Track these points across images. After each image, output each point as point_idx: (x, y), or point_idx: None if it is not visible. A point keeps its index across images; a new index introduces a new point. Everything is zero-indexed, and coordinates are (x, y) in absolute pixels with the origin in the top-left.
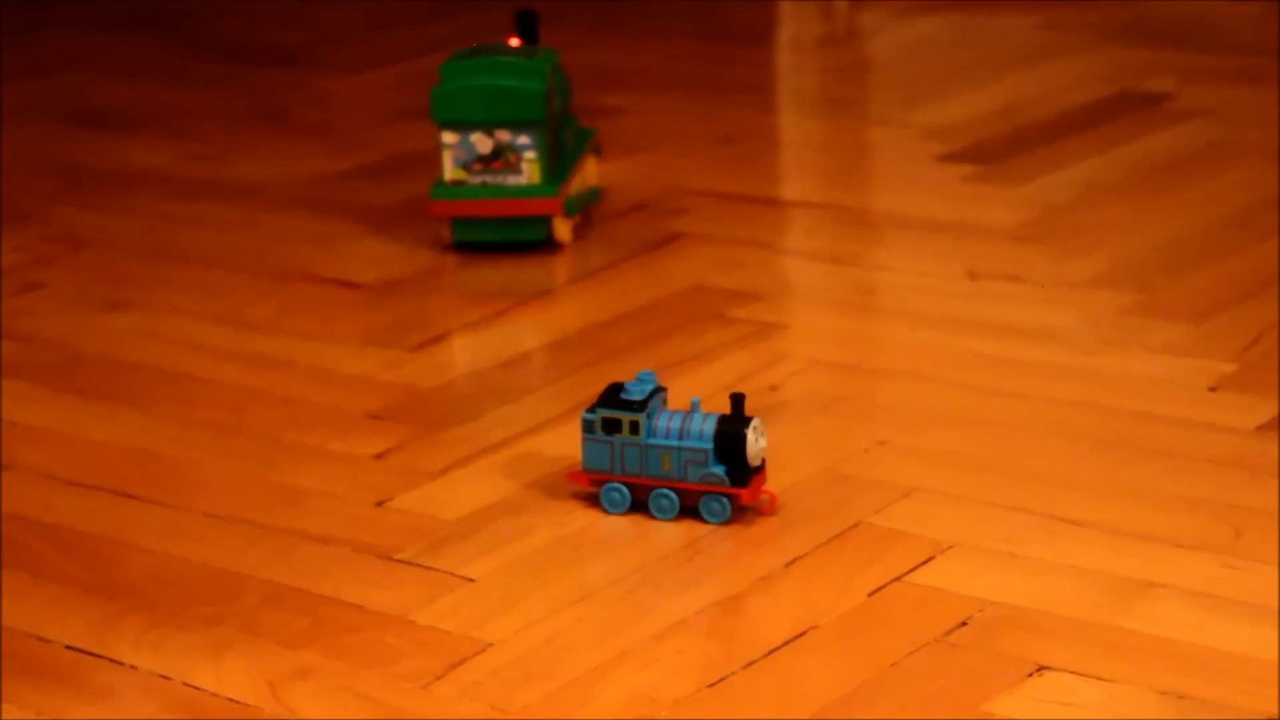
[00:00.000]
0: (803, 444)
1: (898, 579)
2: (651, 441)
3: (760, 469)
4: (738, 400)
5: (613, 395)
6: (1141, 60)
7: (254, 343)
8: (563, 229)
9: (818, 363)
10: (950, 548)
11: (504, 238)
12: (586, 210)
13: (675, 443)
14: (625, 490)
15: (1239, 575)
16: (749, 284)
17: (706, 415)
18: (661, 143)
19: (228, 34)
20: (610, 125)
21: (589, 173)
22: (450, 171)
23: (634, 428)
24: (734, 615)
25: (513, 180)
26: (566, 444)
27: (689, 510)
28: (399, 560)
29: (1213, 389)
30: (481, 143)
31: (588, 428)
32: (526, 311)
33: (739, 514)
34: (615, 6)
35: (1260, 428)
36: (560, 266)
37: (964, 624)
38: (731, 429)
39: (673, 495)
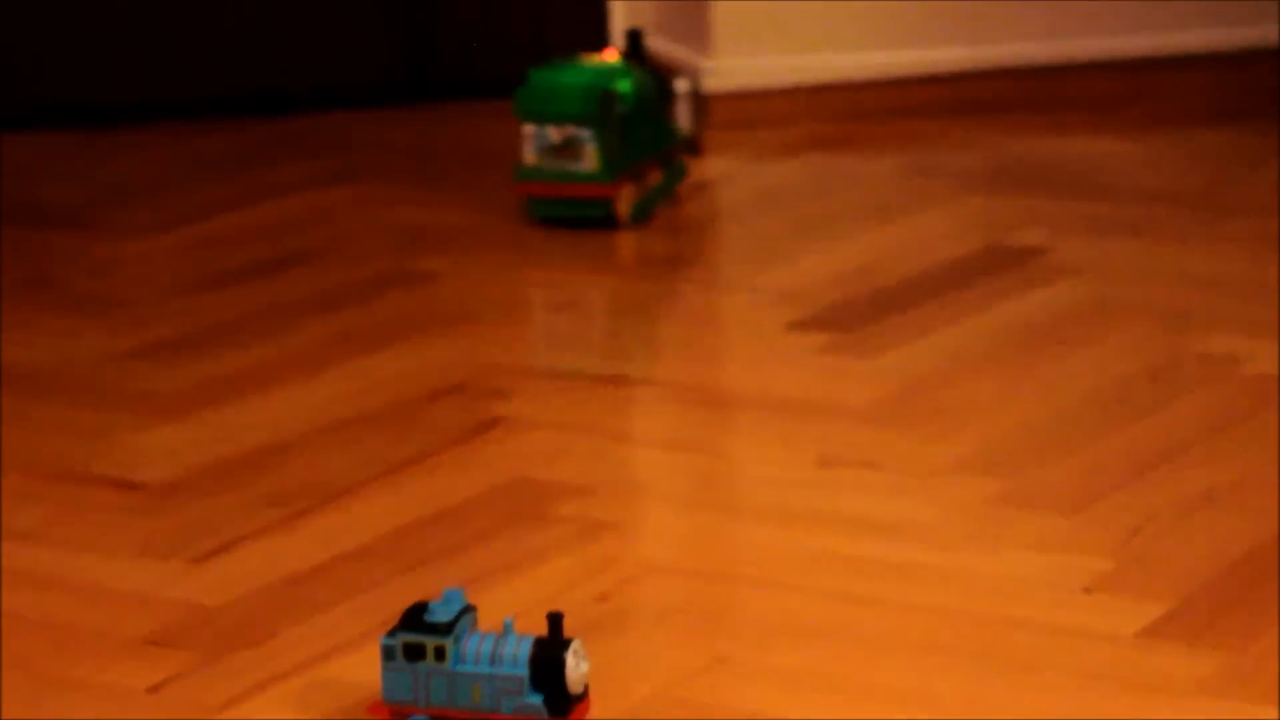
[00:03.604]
0: (634, 663)
1: None
2: (460, 669)
3: (583, 696)
4: (555, 620)
5: (416, 617)
6: (1012, 210)
7: (17, 556)
8: (622, 212)
9: (653, 568)
10: None
11: (572, 214)
12: (667, 197)
13: (486, 669)
14: None
15: None
16: (577, 476)
17: (521, 637)
18: (484, 312)
19: None
20: (430, 293)
21: (676, 166)
22: (529, 157)
23: (440, 653)
24: None
25: (576, 167)
26: (368, 669)
27: None
28: None
29: (1088, 590)
30: (554, 134)
31: (388, 654)
32: (325, 513)
33: None
34: (441, 159)
35: (1140, 633)
36: (365, 460)
37: None
38: (548, 653)
39: None
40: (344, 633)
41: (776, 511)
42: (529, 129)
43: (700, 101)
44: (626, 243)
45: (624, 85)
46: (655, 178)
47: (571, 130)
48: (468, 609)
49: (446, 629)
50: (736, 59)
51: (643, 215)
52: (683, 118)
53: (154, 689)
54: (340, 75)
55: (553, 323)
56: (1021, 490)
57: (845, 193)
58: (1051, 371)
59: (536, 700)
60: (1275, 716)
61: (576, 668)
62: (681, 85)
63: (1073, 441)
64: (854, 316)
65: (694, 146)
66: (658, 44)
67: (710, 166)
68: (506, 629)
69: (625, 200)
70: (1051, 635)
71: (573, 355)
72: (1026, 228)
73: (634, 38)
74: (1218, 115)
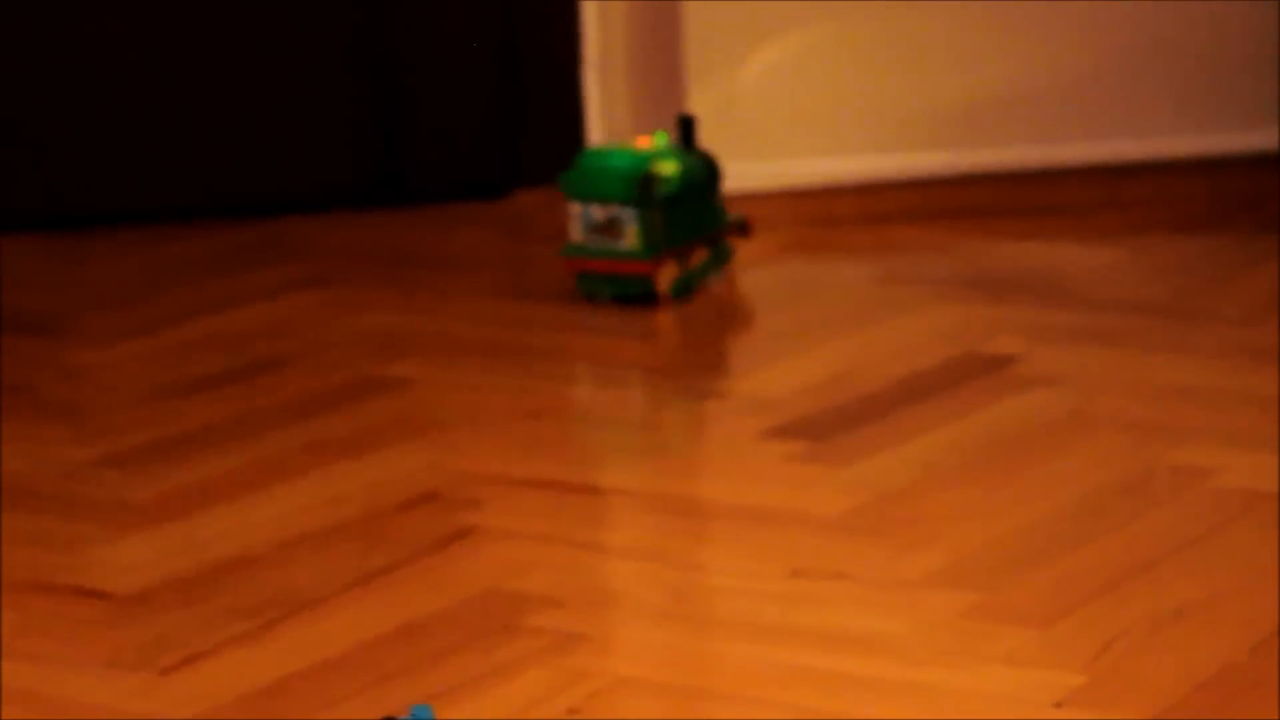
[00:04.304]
0: None
1: None
2: None
3: None
4: None
5: None
6: (987, 318)
7: None
8: (663, 288)
9: (624, 681)
10: None
11: (615, 291)
12: (709, 276)
13: None
14: None
15: None
16: (549, 588)
17: None
18: (455, 420)
19: None
20: (401, 401)
21: (722, 247)
22: (575, 235)
23: None
24: None
25: (618, 244)
26: None
27: None
28: None
29: (1059, 705)
30: (598, 213)
31: None
32: (294, 625)
33: None
34: (413, 264)
35: None
36: (335, 571)
37: None
38: None
39: None
40: None
41: (748, 624)
42: (575, 208)
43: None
44: (597, 350)
45: (668, 168)
46: (701, 256)
47: (614, 210)
48: None
49: None
50: None
51: (684, 291)
52: None
53: None
54: (311, 180)
55: (525, 431)
56: (993, 603)
57: (820, 299)
58: (1024, 483)
59: None
60: None
61: None
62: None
63: (1045, 554)
64: (827, 425)
65: (745, 228)
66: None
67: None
68: None
69: (666, 278)
70: None
71: (545, 464)
72: (1001, 336)
73: (686, 124)
74: (1197, 222)
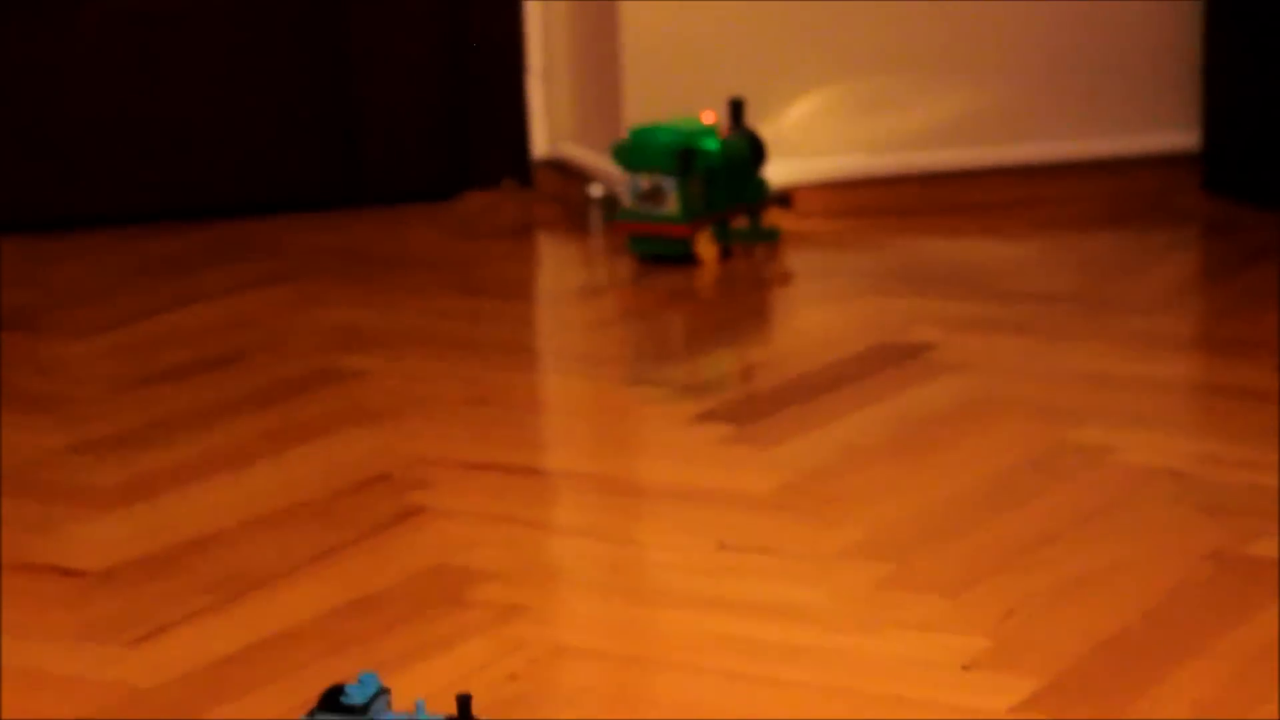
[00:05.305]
0: None
1: None
2: None
3: None
4: (464, 702)
5: (332, 699)
6: (906, 309)
7: None
8: (703, 249)
9: (562, 649)
10: None
11: (659, 251)
12: (754, 244)
13: None
14: None
15: None
16: (492, 563)
17: (432, 718)
18: (407, 407)
19: None
20: (356, 390)
21: (767, 228)
22: (627, 201)
23: None
24: None
25: (660, 210)
26: None
27: None
28: None
29: (966, 668)
30: (644, 182)
31: None
32: (253, 599)
33: None
34: (369, 262)
35: (1014, 708)
36: (292, 549)
37: None
38: None
39: None
40: (267, 713)
41: (679, 596)
42: (625, 177)
43: (613, 204)
44: (540, 341)
45: (709, 144)
46: (741, 223)
47: (658, 179)
48: (382, 691)
49: (362, 710)
50: None
51: (725, 248)
52: (595, 221)
53: None
54: (273, 184)
55: (472, 417)
56: (907, 574)
57: (749, 292)
58: (937, 462)
59: None
60: None
61: None
62: (595, 190)
63: (956, 528)
64: (754, 410)
65: (786, 201)
66: (576, 152)
67: (620, 267)
68: (418, 709)
69: (704, 241)
70: (932, 711)
71: (491, 448)
72: (918, 326)
73: (735, 106)
74: (1103, 219)
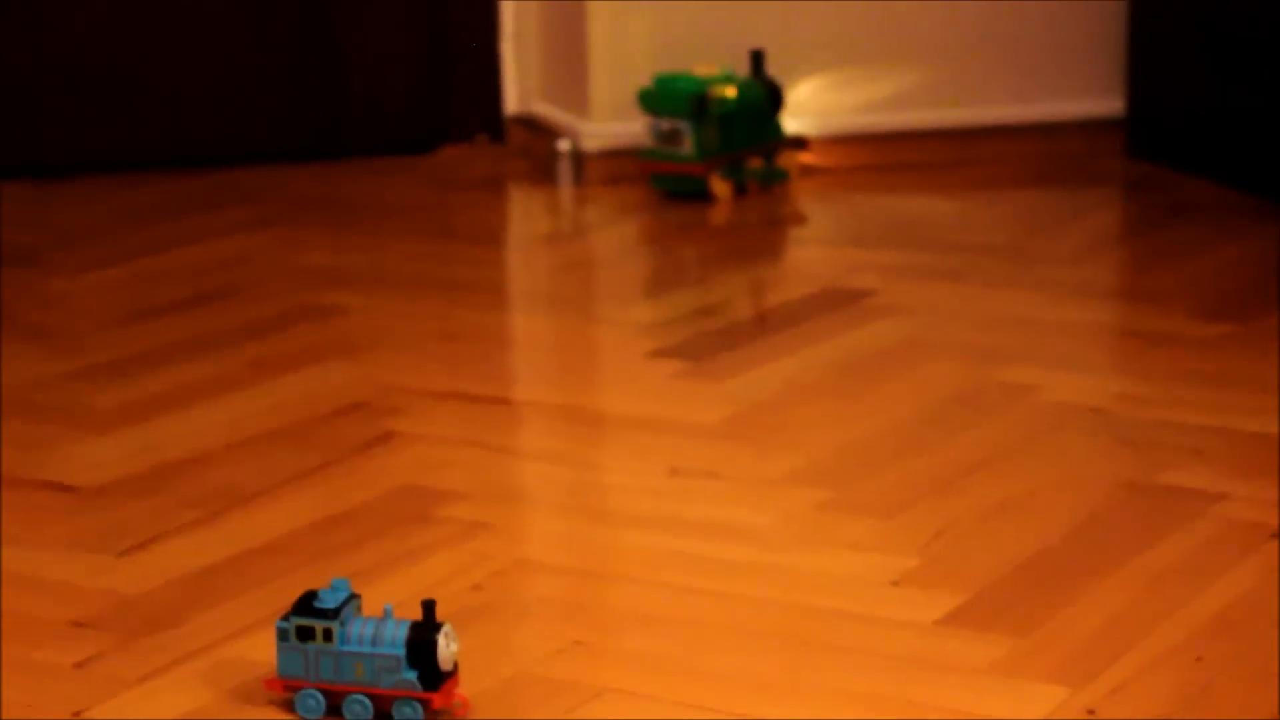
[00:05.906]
0: (500, 646)
1: None
2: (345, 648)
3: (453, 673)
4: (429, 606)
5: (307, 603)
6: (848, 258)
7: None
8: (716, 188)
9: (521, 563)
10: None
11: (677, 188)
12: (768, 184)
13: (368, 649)
14: (320, 696)
15: None
16: (459, 484)
17: (399, 622)
18: (383, 341)
19: None
20: (336, 325)
21: (777, 160)
22: (649, 142)
23: (327, 635)
24: None
25: (677, 150)
26: (266, 650)
27: (383, 715)
28: None
29: (895, 584)
30: (664, 125)
31: (282, 636)
32: (236, 515)
33: (432, 718)
34: (350, 209)
35: (938, 622)
36: (273, 469)
37: None
38: (422, 635)
39: (366, 701)
40: (247, 618)
41: (632, 516)
42: (649, 120)
43: (579, 158)
44: (509, 279)
45: (725, 90)
46: (756, 164)
47: (677, 122)
48: (352, 596)
49: (334, 614)
50: (610, 123)
51: (738, 185)
52: (563, 173)
53: (79, 665)
54: (262, 136)
55: (444, 351)
56: (843, 499)
57: (704, 241)
58: (873, 397)
59: (411, 676)
60: (1055, 691)
61: (447, 648)
62: (563, 145)
63: (889, 457)
64: (705, 347)
65: (803, 143)
66: (545, 110)
67: (585, 215)
68: (386, 614)
69: (718, 179)
70: (863, 623)
71: (460, 379)
72: (861, 273)
73: (756, 56)
74: (1033, 179)
